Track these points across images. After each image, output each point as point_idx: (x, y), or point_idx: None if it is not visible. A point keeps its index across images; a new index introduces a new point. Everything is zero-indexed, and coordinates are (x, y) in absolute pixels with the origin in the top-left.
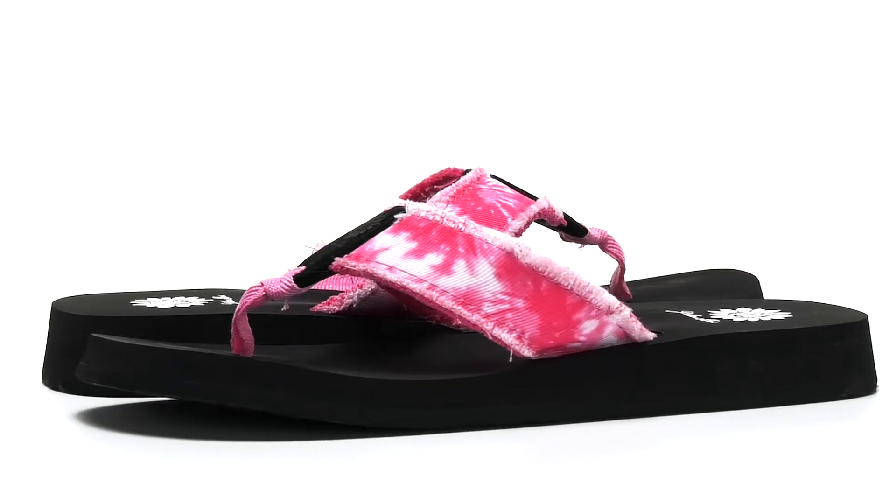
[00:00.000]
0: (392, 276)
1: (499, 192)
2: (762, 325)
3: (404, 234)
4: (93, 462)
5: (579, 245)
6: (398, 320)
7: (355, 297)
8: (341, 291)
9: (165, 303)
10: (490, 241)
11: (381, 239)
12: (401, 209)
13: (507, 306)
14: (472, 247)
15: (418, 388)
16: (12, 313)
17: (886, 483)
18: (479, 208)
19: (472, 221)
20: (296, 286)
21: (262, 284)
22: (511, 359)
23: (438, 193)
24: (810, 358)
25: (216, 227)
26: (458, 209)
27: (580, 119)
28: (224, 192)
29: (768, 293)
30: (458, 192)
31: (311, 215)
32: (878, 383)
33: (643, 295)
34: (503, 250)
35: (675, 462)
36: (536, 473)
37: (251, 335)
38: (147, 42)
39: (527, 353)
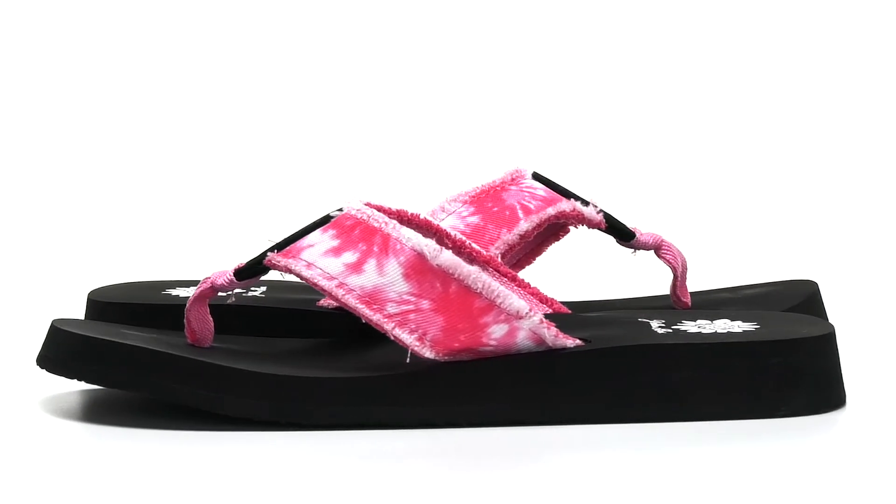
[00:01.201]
0: (306, 273)
1: (528, 194)
2: (697, 337)
3: (330, 233)
4: (112, 454)
5: (632, 250)
6: None
7: None
8: None
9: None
10: (403, 241)
11: (312, 236)
12: (341, 209)
13: (411, 307)
14: (385, 246)
15: (313, 385)
16: (49, 304)
17: None
18: (496, 209)
19: (395, 221)
20: (235, 280)
21: (210, 277)
22: (408, 359)
23: (461, 192)
24: (741, 373)
25: (249, 217)
26: (471, 209)
27: (652, 123)
28: (257, 184)
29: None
30: (483, 191)
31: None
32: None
33: (704, 304)
34: (414, 251)
35: (563, 473)
36: (401, 474)
37: (205, 325)
38: (168, 42)
39: (428, 354)
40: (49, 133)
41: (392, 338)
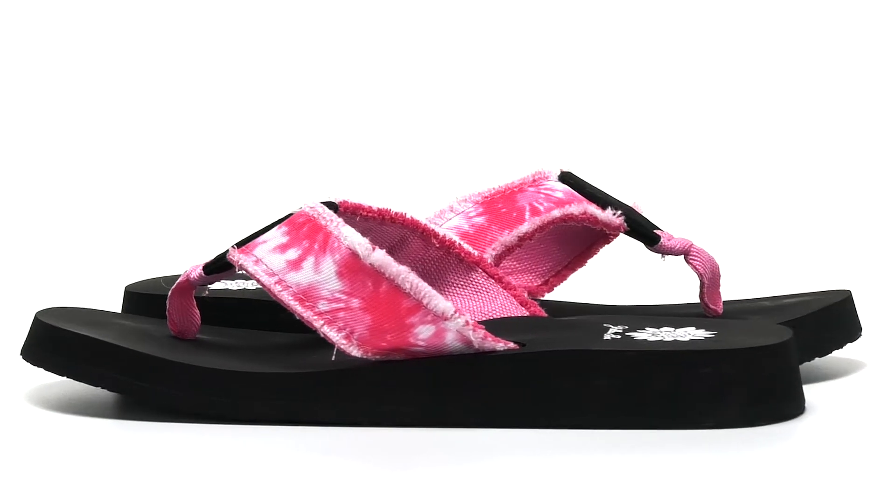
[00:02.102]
0: (251, 269)
1: (543, 195)
2: (635, 345)
3: (283, 230)
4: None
5: (661, 256)
6: None
7: None
8: None
9: (236, 284)
10: (342, 239)
11: (268, 233)
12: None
13: (341, 305)
14: (324, 244)
15: (238, 379)
16: (87, 298)
17: None
18: (504, 210)
19: (340, 220)
20: (203, 274)
21: (187, 270)
22: (334, 357)
23: (474, 193)
24: (665, 383)
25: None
26: (480, 210)
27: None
28: (284, 179)
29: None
30: (498, 192)
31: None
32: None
33: (737, 313)
34: (349, 250)
35: (477, 477)
36: (314, 470)
37: (187, 317)
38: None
39: (355, 352)
40: (87, 131)
41: (322, 335)
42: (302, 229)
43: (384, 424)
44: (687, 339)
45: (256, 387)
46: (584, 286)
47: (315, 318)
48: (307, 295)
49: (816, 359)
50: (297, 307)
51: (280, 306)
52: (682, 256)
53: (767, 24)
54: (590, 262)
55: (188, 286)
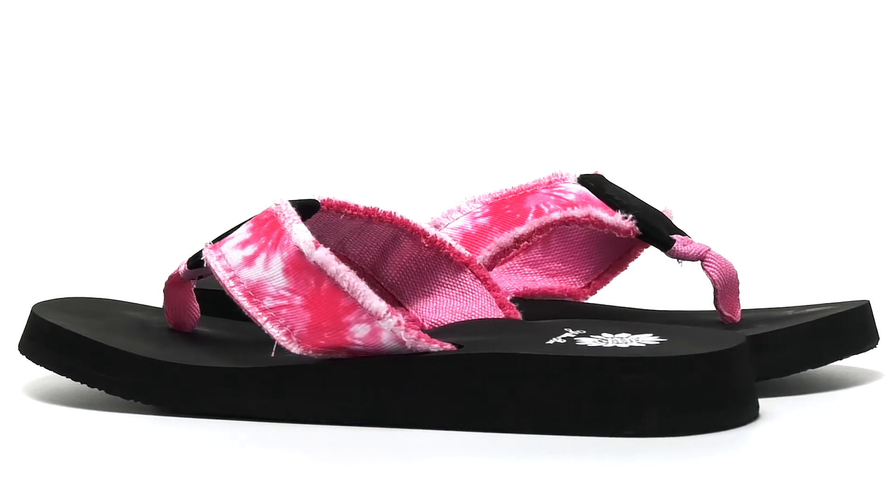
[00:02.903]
0: (213, 263)
1: (554, 197)
2: (572, 350)
3: (248, 226)
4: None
5: (678, 261)
6: None
7: None
8: None
9: None
10: (291, 237)
11: (239, 229)
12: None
13: (285, 302)
14: (276, 241)
15: (186, 372)
16: (129, 294)
17: None
18: (509, 211)
19: (297, 217)
20: (188, 268)
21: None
22: (273, 353)
23: (485, 194)
24: (591, 389)
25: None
26: (486, 210)
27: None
28: (311, 179)
29: None
30: (509, 193)
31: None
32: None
33: (758, 321)
34: (296, 247)
35: (397, 477)
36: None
37: (184, 310)
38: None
39: (294, 349)
40: (128, 139)
41: (266, 331)
42: (263, 226)
43: (323, 422)
44: (626, 345)
45: (201, 380)
46: (630, 290)
47: (259, 314)
48: (255, 291)
49: (825, 368)
50: (245, 303)
51: None
52: (699, 262)
53: (802, 29)
54: (640, 265)
55: (178, 279)
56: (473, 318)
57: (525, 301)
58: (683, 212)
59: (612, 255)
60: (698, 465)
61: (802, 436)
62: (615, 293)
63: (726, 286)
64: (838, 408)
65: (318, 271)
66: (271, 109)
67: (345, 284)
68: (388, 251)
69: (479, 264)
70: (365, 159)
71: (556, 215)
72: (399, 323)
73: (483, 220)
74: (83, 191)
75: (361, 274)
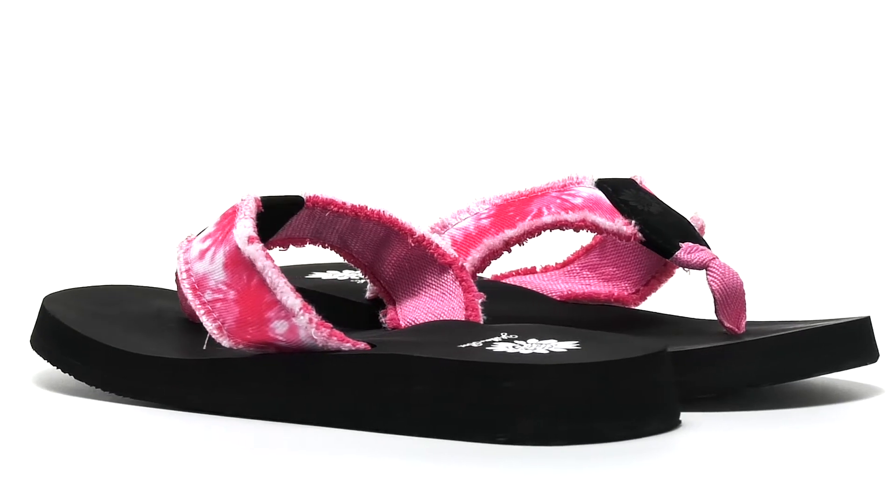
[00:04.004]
0: (178, 255)
1: (560, 201)
2: (470, 354)
3: (216, 220)
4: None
5: (685, 270)
6: None
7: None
8: None
9: (343, 275)
10: (234, 231)
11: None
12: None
13: (221, 296)
14: (224, 235)
15: (136, 361)
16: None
17: None
18: (511, 213)
19: (247, 211)
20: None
21: None
22: (205, 346)
23: (497, 195)
24: (470, 394)
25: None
26: (493, 211)
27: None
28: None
29: None
30: (520, 195)
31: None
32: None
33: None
34: (235, 242)
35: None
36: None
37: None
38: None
39: (225, 343)
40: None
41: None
42: (224, 220)
43: (247, 416)
44: (527, 352)
45: (146, 369)
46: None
47: (199, 306)
48: (199, 284)
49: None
50: (190, 296)
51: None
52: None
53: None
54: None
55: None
56: (443, 318)
57: (577, 305)
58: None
59: (659, 261)
60: (566, 475)
61: (699, 453)
62: (679, 301)
63: (728, 297)
64: (767, 425)
65: (251, 266)
66: (294, 106)
67: (268, 280)
68: (382, 249)
69: (462, 265)
70: (394, 160)
71: (548, 219)
72: (311, 320)
73: (485, 222)
74: (115, 179)
75: (365, 271)
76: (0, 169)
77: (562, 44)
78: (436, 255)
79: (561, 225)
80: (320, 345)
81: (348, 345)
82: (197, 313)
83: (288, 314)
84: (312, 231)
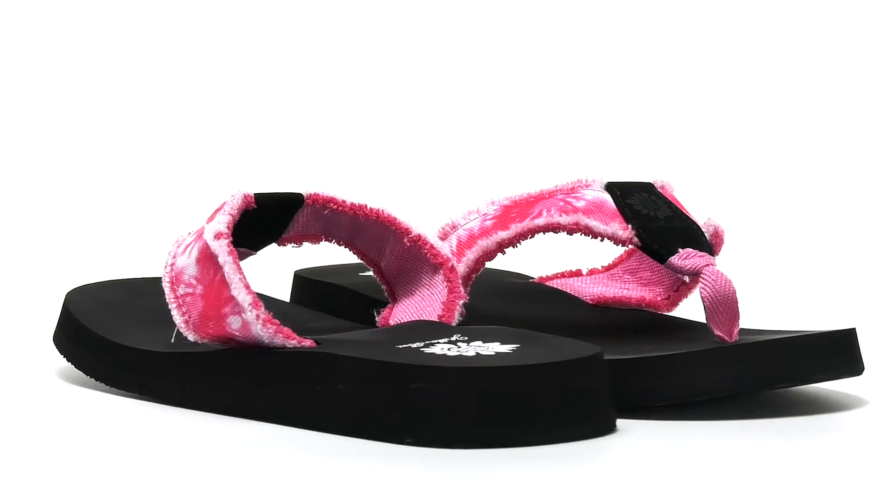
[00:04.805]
0: (170, 250)
1: (563, 203)
2: (404, 357)
3: (209, 216)
4: None
5: (682, 276)
6: None
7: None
8: None
9: None
10: (206, 226)
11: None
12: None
13: (191, 290)
14: (202, 231)
15: (123, 352)
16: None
17: None
18: (514, 215)
19: (227, 208)
20: None
21: None
22: (173, 339)
23: (508, 196)
24: (382, 395)
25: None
26: (499, 213)
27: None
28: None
29: None
30: (529, 196)
31: None
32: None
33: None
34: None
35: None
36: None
37: None
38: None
39: (191, 337)
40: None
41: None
42: (210, 216)
43: (211, 411)
44: (453, 354)
45: (129, 361)
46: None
47: (172, 300)
48: (177, 278)
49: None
50: (167, 290)
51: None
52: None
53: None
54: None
55: None
56: (425, 318)
57: (605, 309)
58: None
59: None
60: (465, 480)
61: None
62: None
63: (717, 304)
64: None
65: (216, 262)
66: (314, 106)
67: (226, 275)
68: (384, 247)
69: (452, 266)
70: (423, 161)
71: (540, 221)
72: (258, 317)
73: (489, 223)
74: (153, 176)
75: (374, 269)
76: (48, 165)
77: (597, 44)
78: (429, 255)
79: (553, 228)
80: (266, 341)
81: (293, 342)
82: (170, 307)
83: (240, 310)
84: (322, 228)
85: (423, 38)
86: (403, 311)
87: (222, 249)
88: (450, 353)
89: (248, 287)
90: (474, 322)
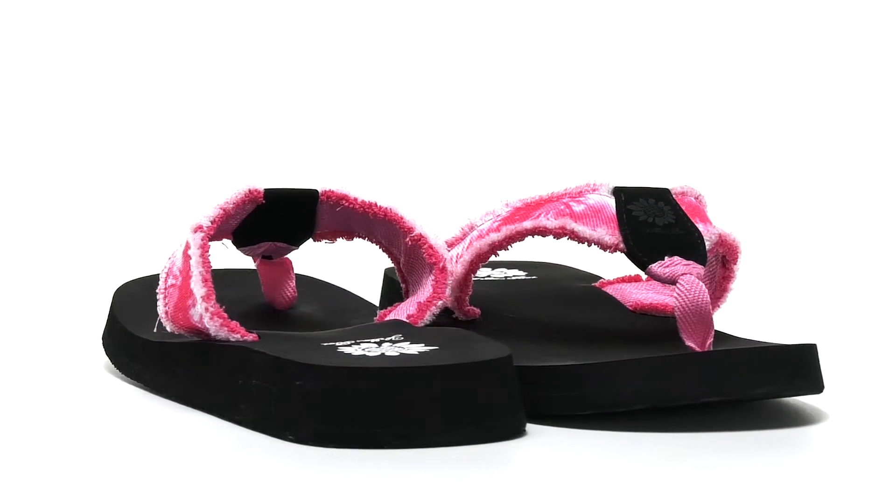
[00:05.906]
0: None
1: (564, 206)
2: (310, 355)
3: None
4: None
5: (662, 283)
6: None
7: None
8: None
9: (495, 273)
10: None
11: None
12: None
13: (175, 282)
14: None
15: (134, 342)
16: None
17: None
18: (517, 218)
19: (220, 203)
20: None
21: None
22: (155, 329)
23: (520, 198)
24: (276, 391)
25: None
26: (507, 214)
27: None
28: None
29: None
30: (540, 199)
31: None
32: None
33: None
34: None
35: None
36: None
37: (273, 287)
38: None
39: (168, 328)
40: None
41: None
42: None
43: (179, 401)
44: (356, 353)
45: (132, 348)
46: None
47: (161, 292)
48: (169, 271)
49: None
50: (161, 282)
51: None
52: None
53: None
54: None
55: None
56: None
57: (641, 316)
58: None
59: (710, 274)
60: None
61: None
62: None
63: (687, 314)
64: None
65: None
66: (333, 106)
67: (191, 267)
68: (393, 245)
69: (443, 267)
70: (456, 162)
71: (528, 224)
72: (207, 309)
73: (496, 224)
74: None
75: (397, 267)
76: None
77: (619, 48)
78: (426, 255)
79: (540, 232)
80: (213, 334)
81: (237, 336)
82: (157, 298)
83: (196, 302)
84: (345, 225)
85: (452, 40)
86: (403, 310)
87: (195, 241)
88: (370, 354)
89: (205, 280)
90: (494, 323)
